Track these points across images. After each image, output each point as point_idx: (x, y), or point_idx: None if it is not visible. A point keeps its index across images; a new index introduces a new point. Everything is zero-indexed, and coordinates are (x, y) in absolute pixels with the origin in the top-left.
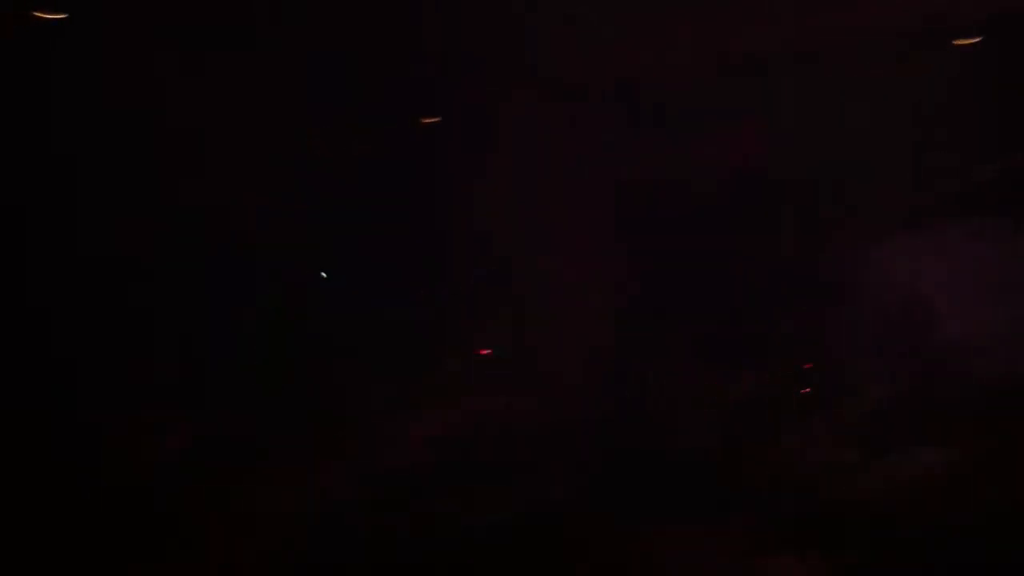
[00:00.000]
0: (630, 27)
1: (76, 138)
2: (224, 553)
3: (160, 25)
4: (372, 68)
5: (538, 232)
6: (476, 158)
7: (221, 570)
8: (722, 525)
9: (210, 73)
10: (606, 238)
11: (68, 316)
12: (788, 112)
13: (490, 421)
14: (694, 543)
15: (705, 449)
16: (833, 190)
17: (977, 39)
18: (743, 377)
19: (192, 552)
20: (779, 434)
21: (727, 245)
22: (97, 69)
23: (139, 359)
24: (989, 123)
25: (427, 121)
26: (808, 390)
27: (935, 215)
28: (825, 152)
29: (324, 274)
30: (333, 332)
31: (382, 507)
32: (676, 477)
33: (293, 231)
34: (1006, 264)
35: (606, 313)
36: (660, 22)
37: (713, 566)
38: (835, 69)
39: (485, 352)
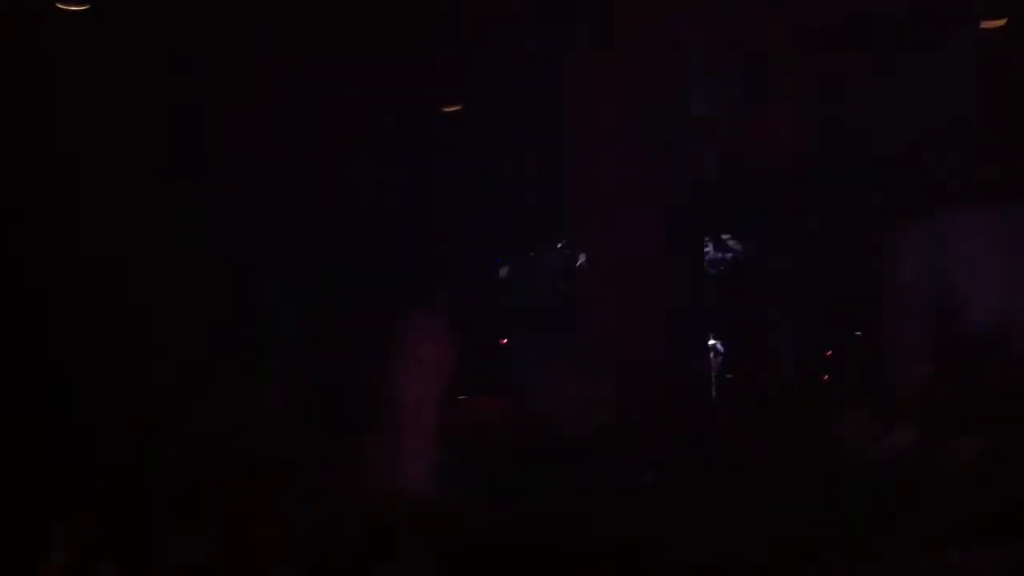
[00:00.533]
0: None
1: (80, 137)
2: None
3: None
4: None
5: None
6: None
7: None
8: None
9: (215, 70)
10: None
11: (75, 315)
12: (822, 97)
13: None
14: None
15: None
16: (858, 176)
17: (1004, 20)
18: (769, 367)
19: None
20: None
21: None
22: (99, 67)
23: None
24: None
25: (449, 110)
26: (828, 377)
27: (955, 203)
28: (847, 138)
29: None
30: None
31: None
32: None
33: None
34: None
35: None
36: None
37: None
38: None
39: (504, 341)
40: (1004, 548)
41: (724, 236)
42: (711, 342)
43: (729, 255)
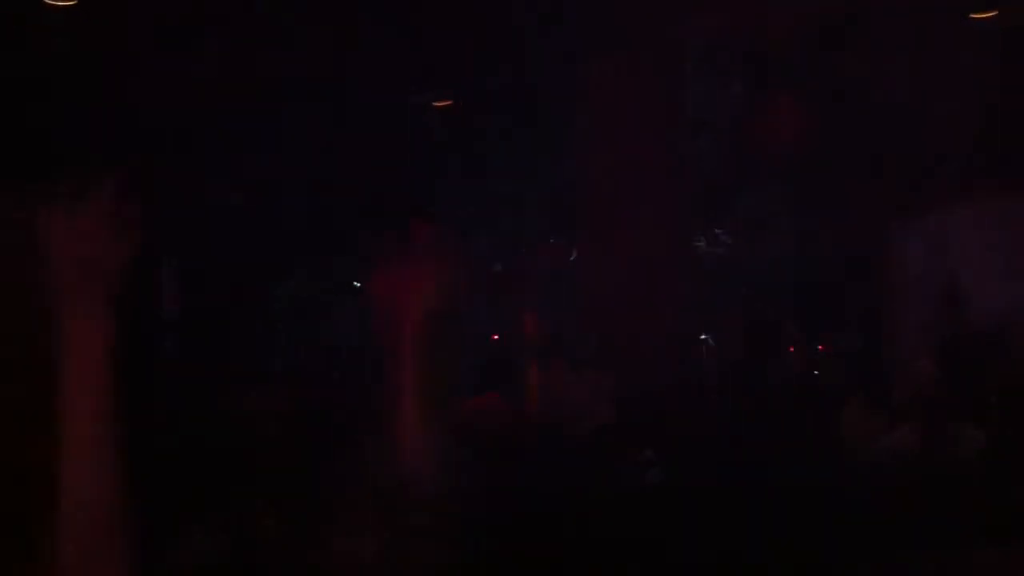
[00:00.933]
0: None
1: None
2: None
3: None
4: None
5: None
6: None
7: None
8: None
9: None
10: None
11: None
12: (812, 89)
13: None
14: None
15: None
16: (857, 168)
17: (993, 12)
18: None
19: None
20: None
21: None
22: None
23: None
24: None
25: (439, 104)
26: (818, 372)
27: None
28: (845, 129)
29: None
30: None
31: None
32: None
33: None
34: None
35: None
36: None
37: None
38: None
39: (495, 337)
40: (1005, 548)
41: (725, 233)
42: (712, 340)
43: (730, 252)
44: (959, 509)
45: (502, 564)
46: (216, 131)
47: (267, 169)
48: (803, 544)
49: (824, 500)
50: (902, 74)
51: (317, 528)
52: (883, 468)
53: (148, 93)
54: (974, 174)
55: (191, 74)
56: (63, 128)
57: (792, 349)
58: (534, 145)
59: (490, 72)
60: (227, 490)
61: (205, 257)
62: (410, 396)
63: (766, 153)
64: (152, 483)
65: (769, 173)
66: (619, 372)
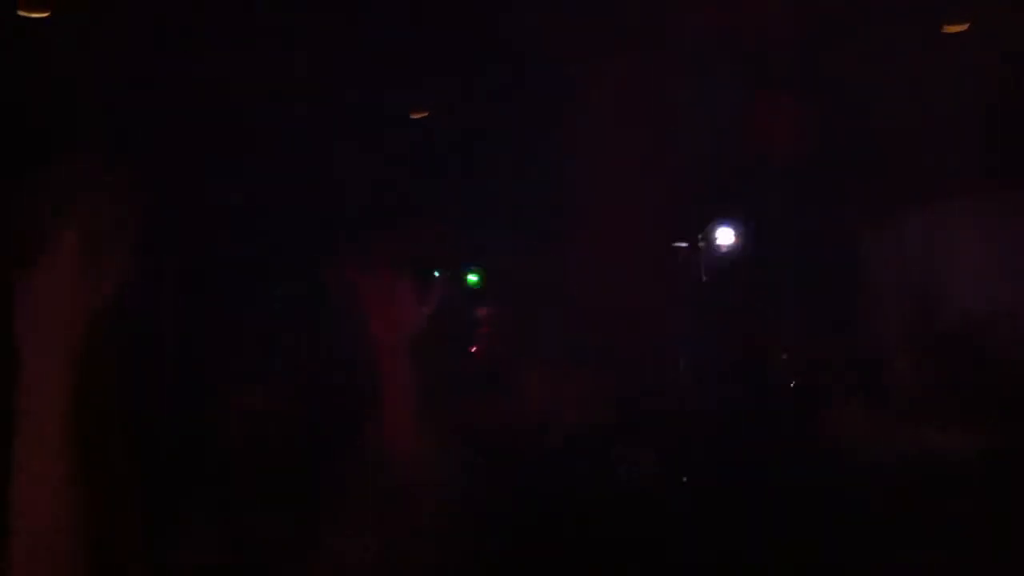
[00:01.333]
0: None
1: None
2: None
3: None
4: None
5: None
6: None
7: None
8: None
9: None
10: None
11: None
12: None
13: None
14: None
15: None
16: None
17: (967, 25)
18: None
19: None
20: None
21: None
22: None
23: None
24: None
25: (416, 116)
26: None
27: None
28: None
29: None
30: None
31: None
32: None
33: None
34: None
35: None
36: None
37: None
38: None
39: (473, 349)
40: (1005, 548)
41: (723, 231)
42: (710, 339)
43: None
44: (959, 509)
45: (502, 564)
46: (215, 131)
47: (266, 168)
48: (802, 544)
49: (824, 500)
50: (901, 74)
51: (317, 528)
52: (883, 468)
53: (144, 93)
54: (973, 174)
55: (188, 74)
56: (59, 128)
57: (790, 349)
58: (531, 145)
59: (488, 72)
60: (227, 490)
61: (204, 257)
62: (408, 397)
63: (765, 153)
64: (151, 483)
65: (768, 173)
66: (619, 372)
